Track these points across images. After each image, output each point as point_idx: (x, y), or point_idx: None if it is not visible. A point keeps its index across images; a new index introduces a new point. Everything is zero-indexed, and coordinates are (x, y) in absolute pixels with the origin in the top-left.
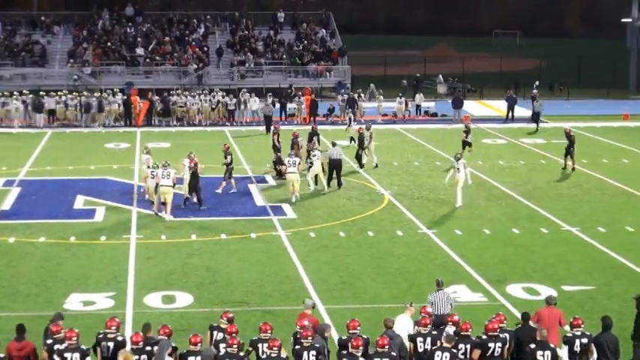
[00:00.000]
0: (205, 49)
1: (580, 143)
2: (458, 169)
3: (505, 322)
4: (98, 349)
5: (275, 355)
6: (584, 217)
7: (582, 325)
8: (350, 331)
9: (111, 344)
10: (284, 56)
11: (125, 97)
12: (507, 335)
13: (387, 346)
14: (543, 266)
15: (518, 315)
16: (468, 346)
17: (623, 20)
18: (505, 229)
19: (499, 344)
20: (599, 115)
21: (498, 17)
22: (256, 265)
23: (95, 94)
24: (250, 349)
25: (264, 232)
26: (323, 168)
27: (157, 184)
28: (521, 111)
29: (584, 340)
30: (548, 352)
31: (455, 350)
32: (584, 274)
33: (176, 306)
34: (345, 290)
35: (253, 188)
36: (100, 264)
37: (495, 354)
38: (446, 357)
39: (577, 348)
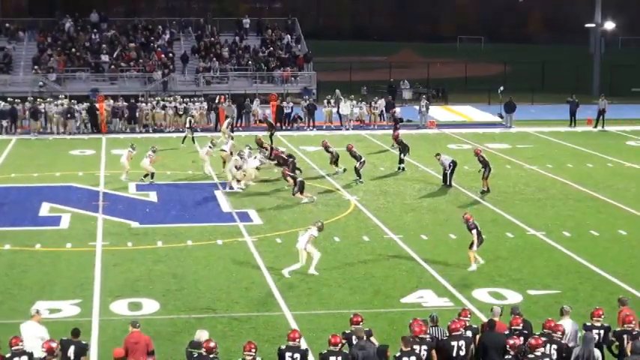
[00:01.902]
0: (170, 55)
1: (544, 148)
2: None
3: (469, 317)
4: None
5: (250, 357)
6: (549, 222)
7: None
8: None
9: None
10: (249, 62)
11: (90, 105)
12: (471, 333)
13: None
14: (509, 271)
15: (485, 319)
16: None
17: (586, 26)
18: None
19: (462, 343)
20: (563, 119)
21: (462, 23)
22: (222, 272)
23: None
24: None
25: (230, 239)
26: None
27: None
28: (487, 116)
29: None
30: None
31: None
32: (549, 278)
33: (142, 313)
34: (312, 296)
35: (219, 194)
36: (65, 271)
37: (461, 353)
38: None
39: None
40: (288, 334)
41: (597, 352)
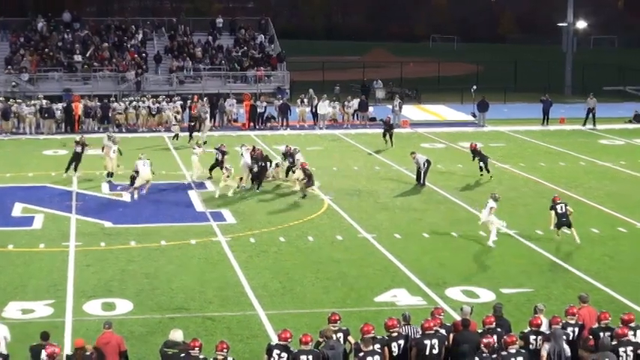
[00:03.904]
0: (144, 55)
1: (517, 147)
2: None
3: (442, 316)
4: None
5: (222, 357)
6: (522, 220)
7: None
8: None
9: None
10: (223, 62)
11: (66, 104)
12: (445, 331)
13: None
14: (482, 269)
15: (458, 318)
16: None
17: (558, 25)
18: (444, 232)
19: (435, 341)
20: (535, 118)
21: (435, 22)
22: (196, 272)
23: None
24: None
25: (203, 238)
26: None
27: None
28: (460, 115)
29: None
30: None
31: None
32: (522, 277)
33: (116, 313)
34: (285, 295)
35: (193, 194)
36: (38, 272)
37: (434, 351)
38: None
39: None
40: (280, 333)
41: (567, 348)
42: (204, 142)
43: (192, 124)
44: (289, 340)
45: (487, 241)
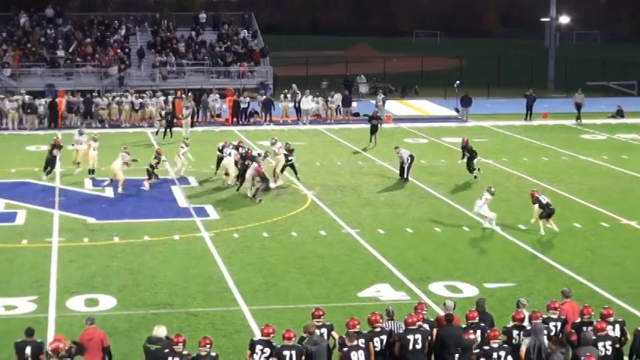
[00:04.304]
0: (127, 50)
1: (500, 142)
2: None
3: (426, 311)
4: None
5: (205, 353)
6: (505, 215)
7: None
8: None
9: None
10: (206, 57)
11: (51, 100)
12: (428, 326)
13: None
14: (465, 264)
15: (442, 313)
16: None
17: (541, 20)
18: (427, 227)
19: (418, 336)
20: (518, 113)
21: (418, 18)
22: (179, 267)
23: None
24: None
25: (187, 234)
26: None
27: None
28: (443, 110)
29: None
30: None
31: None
32: (505, 272)
33: (99, 309)
34: (269, 291)
35: (176, 189)
36: (21, 268)
37: (417, 346)
38: (361, 355)
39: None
40: (262, 328)
41: (547, 342)
42: (186, 138)
43: (169, 119)
44: (272, 335)
45: (484, 225)
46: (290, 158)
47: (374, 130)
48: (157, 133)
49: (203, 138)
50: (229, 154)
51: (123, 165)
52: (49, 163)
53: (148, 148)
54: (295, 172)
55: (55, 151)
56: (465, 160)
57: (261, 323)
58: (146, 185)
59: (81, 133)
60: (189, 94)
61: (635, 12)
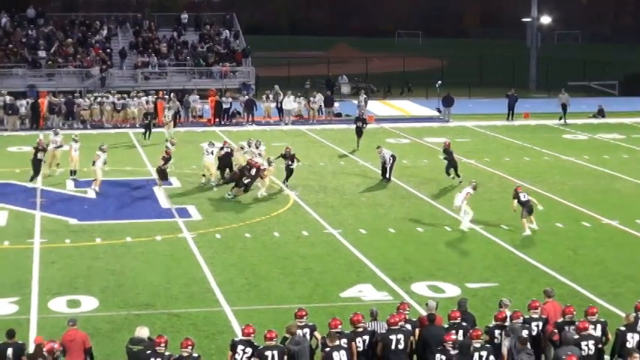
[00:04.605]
0: (108, 50)
1: (482, 142)
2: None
3: (408, 311)
4: None
5: (187, 354)
6: (487, 215)
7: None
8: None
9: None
10: (188, 58)
11: (33, 100)
12: (410, 326)
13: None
14: (447, 264)
15: (424, 313)
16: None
17: (523, 20)
18: (409, 227)
19: (401, 336)
20: (500, 113)
21: (400, 18)
22: (162, 268)
23: None
24: None
25: (169, 235)
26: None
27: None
28: (425, 110)
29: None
30: None
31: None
32: (487, 271)
33: (81, 310)
34: (251, 291)
35: (158, 190)
36: (3, 269)
37: (399, 346)
38: (343, 355)
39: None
40: (243, 328)
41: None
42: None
43: (147, 121)
44: (252, 335)
45: (460, 226)
46: (290, 164)
47: (359, 132)
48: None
49: (185, 139)
50: (211, 153)
51: (101, 164)
52: (35, 168)
53: (131, 149)
54: (287, 177)
55: (39, 155)
56: (447, 163)
57: (244, 324)
58: (159, 185)
59: (56, 134)
60: (172, 94)
61: (616, 12)
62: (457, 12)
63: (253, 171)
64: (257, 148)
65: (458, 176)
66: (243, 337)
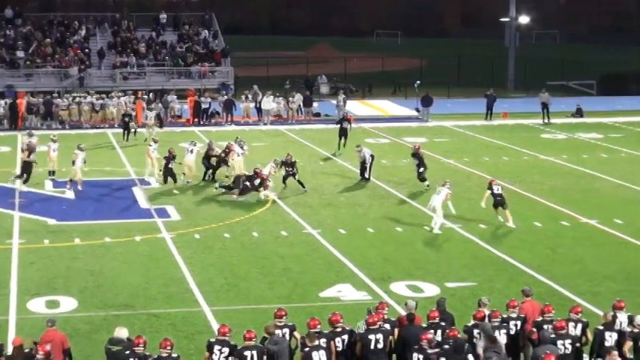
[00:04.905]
0: (87, 50)
1: (461, 142)
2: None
3: (387, 310)
4: None
5: (166, 354)
6: (466, 214)
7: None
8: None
9: None
10: (166, 58)
11: (11, 101)
12: (389, 326)
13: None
14: (426, 264)
15: (403, 312)
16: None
17: (501, 20)
18: (388, 227)
19: (380, 336)
20: (479, 113)
21: (378, 18)
22: (141, 268)
23: None
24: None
25: (148, 235)
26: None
27: None
28: (404, 110)
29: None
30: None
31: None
32: (465, 271)
33: (60, 311)
34: (230, 291)
35: (137, 191)
36: None
37: (378, 346)
38: (322, 355)
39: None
40: (219, 328)
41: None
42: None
43: (127, 120)
44: (228, 334)
45: (432, 230)
46: (289, 170)
47: (343, 133)
48: (134, 133)
49: (164, 139)
50: (191, 152)
51: (80, 163)
52: (27, 170)
53: (109, 150)
54: (284, 180)
55: (32, 156)
56: (418, 167)
57: (223, 324)
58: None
59: (31, 135)
60: (151, 94)
61: (593, 12)
62: (436, 12)
63: (257, 181)
64: (241, 148)
65: (424, 180)
66: (219, 337)
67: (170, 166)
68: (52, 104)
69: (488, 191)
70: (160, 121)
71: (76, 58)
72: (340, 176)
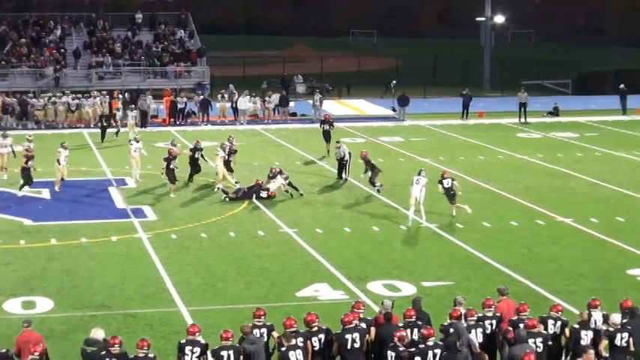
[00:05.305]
0: (62, 50)
1: (437, 141)
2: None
3: (362, 309)
4: None
5: (143, 355)
6: (442, 214)
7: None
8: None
9: None
10: (142, 57)
11: None
12: (365, 325)
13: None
14: (402, 263)
15: (379, 311)
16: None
17: (477, 19)
18: (365, 227)
19: (356, 335)
20: (455, 112)
21: (354, 17)
22: (117, 269)
23: None
24: None
25: (124, 235)
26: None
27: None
28: (380, 110)
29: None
30: None
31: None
32: (442, 270)
33: (36, 311)
34: (207, 292)
35: (113, 191)
36: None
37: (355, 345)
38: (299, 354)
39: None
40: (188, 328)
41: (473, 337)
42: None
43: (103, 122)
44: (198, 333)
45: (422, 223)
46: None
47: (327, 136)
48: (116, 133)
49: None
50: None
51: (64, 162)
52: (27, 177)
53: (86, 150)
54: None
55: (29, 163)
56: (367, 173)
57: (200, 324)
58: (171, 192)
59: (5, 137)
60: (126, 94)
61: (569, 11)
62: (412, 12)
63: (264, 193)
64: (231, 144)
65: (374, 185)
66: (189, 337)
67: (172, 166)
68: (28, 104)
69: (440, 186)
70: (144, 121)
71: (52, 58)
72: (317, 176)
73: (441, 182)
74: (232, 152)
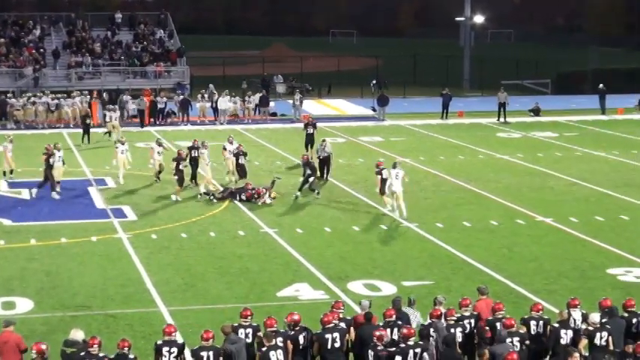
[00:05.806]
0: (41, 50)
1: (417, 141)
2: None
3: (342, 309)
4: None
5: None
6: (423, 213)
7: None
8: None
9: None
10: (122, 57)
11: None
12: (345, 324)
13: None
14: (383, 262)
15: (359, 311)
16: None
17: (456, 19)
18: (345, 226)
19: (336, 335)
20: (435, 112)
21: (334, 17)
22: (97, 269)
23: None
24: None
25: (104, 235)
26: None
27: None
28: (360, 109)
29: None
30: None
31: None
32: (423, 270)
33: (16, 312)
34: (188, 292)
35: (93, 191)
36: None
37: (335, 345)
38: (279, 354)
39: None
40: (164, 328)
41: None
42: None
43: (88, 122)
44: (174, 333)
45: (402, 216)
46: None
47: (310, 140)
48: (105, 133)
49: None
50: (158, 153)
51: (60, 164)
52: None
53: (65, 150)
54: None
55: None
56: (308, 177)
57: (181, 324)
58: (177, 195)
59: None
60: (105, 94)
61: (548, 11)
62: (392, 12)
63: (260, 201)
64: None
65: (314, 190)
66: (166, 338)
67: (181, 167)
68: (7, 104)
69: (378, 177)
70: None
71: (31, 58)
72: (297, 175)
73: (380, 174)
74: (242, 153)
